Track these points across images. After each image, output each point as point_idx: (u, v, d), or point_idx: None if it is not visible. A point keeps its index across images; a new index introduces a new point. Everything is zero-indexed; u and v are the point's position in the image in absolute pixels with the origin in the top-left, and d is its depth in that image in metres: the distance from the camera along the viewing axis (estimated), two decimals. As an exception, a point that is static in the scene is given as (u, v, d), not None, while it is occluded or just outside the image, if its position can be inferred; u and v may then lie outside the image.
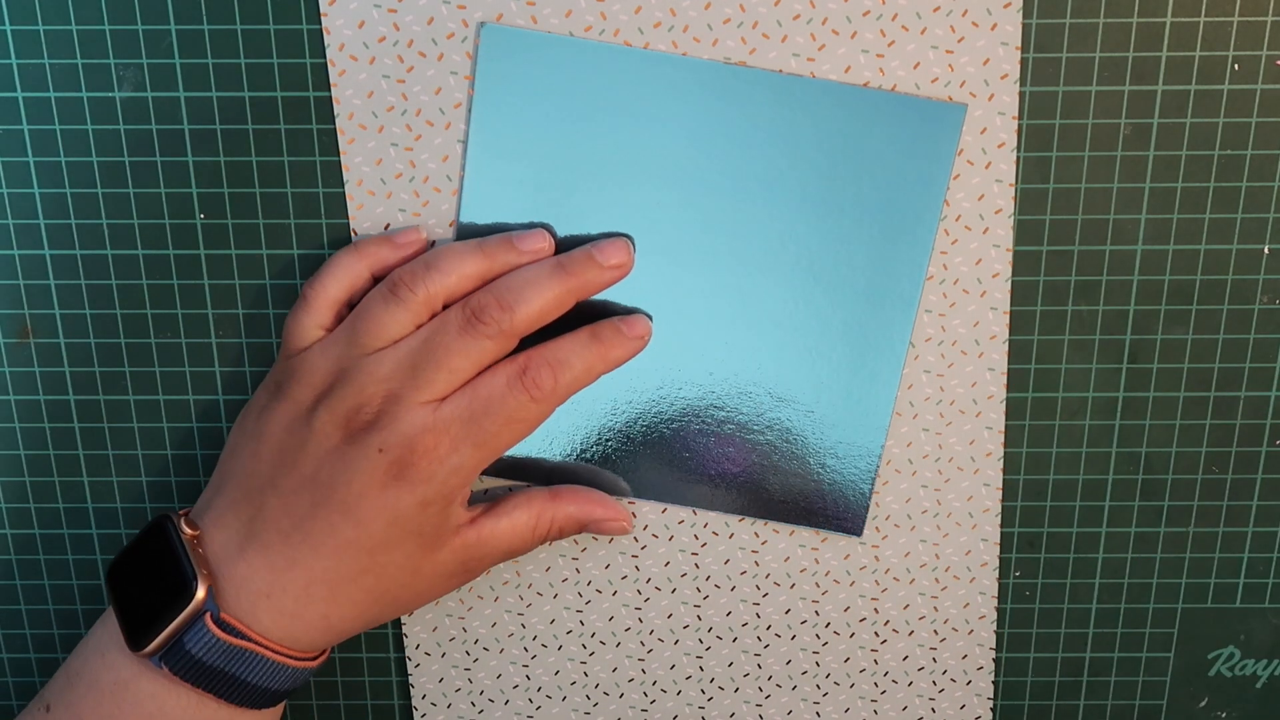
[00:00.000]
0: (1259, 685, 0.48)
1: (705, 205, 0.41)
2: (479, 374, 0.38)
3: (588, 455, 0.44)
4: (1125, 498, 0.46)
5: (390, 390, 0.38)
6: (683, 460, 0.44)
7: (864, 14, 0.40)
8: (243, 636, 0.38)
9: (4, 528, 0.46)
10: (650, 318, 0.42)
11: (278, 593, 0.39)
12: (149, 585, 0.39)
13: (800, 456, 0.44)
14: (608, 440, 0.44)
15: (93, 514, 0.46)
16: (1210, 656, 0.48)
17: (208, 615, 0.38)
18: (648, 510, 0.45)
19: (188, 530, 0.39)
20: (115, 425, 0.45)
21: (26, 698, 0.48)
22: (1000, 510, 0.45)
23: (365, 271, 0.41)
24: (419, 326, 0.39)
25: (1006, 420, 0.44)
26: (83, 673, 0.39)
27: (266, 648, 0.38)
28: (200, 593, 0.38)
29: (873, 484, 0.44)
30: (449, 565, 0.40)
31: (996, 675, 0.48)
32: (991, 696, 0.47)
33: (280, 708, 0.41)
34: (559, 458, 0.44)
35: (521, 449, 0.44)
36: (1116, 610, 0.47)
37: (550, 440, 0.44)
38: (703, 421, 0.43)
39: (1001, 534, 0.46)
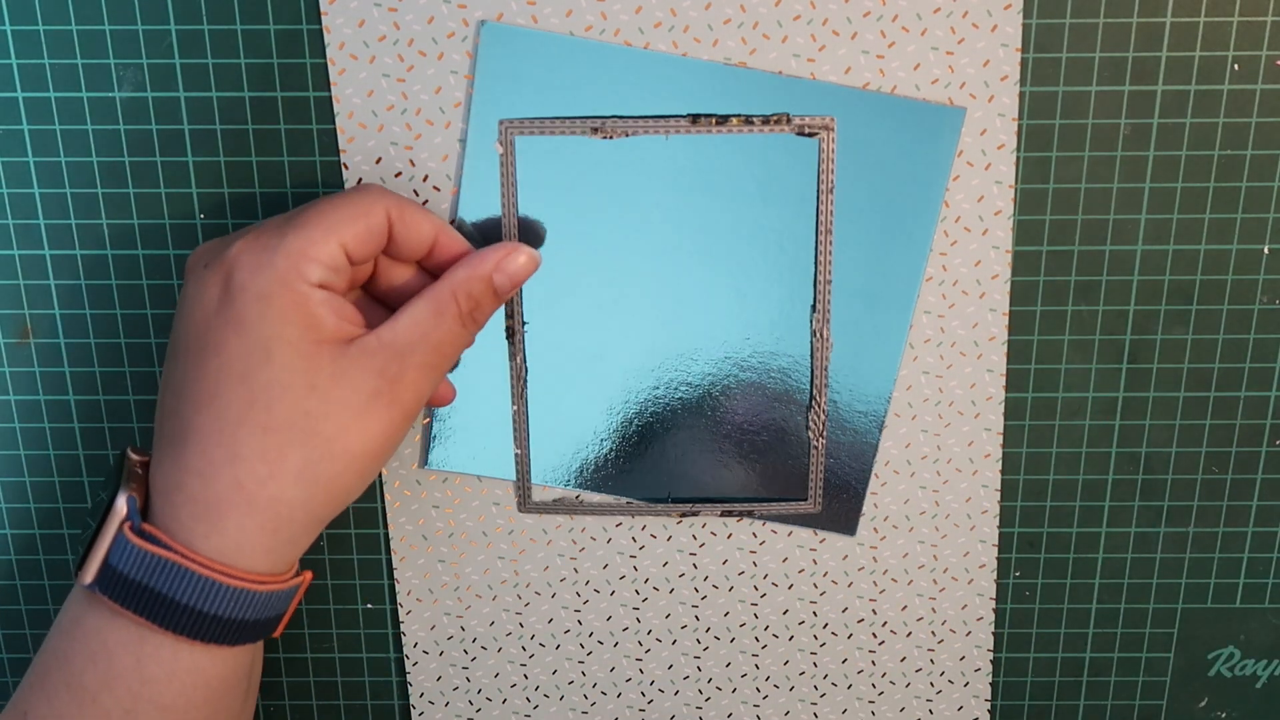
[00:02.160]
0: (1259, 685, 0.48)
1: (703, 206, 0.41)
2: None
3: (585, 454, 0.44)
4: (1125, 498, 0.46)
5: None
6: (678, 460, 0.44)
7: (864, 15, 0.40)
8: (162, 545, 0.35)
9: (4, 528, 0.46)
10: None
11: (186, 477, 0.36)
12: (97, 514, 0.37)
13: (796, 456, 0.44)
14: (604, 440, 0.44)
15: (93, 514, 0.46)
16: (1210, 656, 0.48)
17: (127, 525, 0.36)
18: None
19: (134, 456, 0.38)
20: (115, 425, 0.45)
21: (27, 697, 0.48)
22: (999, 512, 0.45)
23: None
24: None
25: (1006, 421, 0.44)
26: (57, 618, 0.38)
27: (188, 558, 0.35)
28: (120, 504, 0.36)
29: (867, 484, 0.44)
30: (359, 381, 0.36)
31: (997, 675, 0.48)
32: (989, 698, 0.47)
33: (247, 656, 0.38)
34: (556, 456, 0.44)
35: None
36: (1116, 610, 0.47)
37: (548, 440, 0.44)
38: (699, 421, 0.44)
39: (1002, 534, 0.46)
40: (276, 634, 0.39)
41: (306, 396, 0.36)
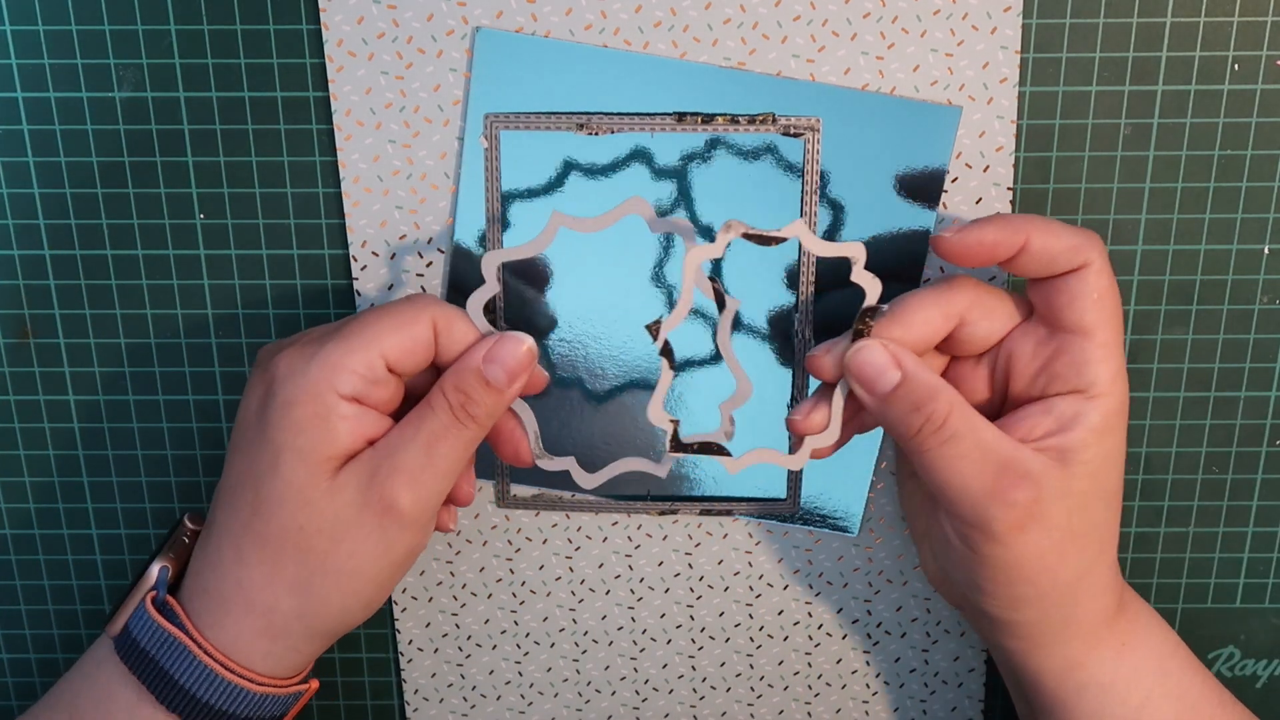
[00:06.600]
0: (1259, 685, 0.48)
1: (701, 207, 0.41)
2: None
3: (565, 450, 0.44)
4: (1126, 498, 0.45)
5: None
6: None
7: (864, 16, 0.40)
8: (176, 622, 0.37)
9: (4, 528, 0.46)
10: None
11: (204, 567, 0.37)
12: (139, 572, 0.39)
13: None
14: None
15: (93, 514, 0.46)
16: (1210, 656, 0.48)
17: (151, 595, 0.37)
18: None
19: (189, 525, 0.39)
20: (115, 425, 0.45)
21: (27, 698, 0.49)
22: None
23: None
24: None
25: (1005, 420, 0.44)
26: (81, 659, 0.40)
27: (196, 642, 0.36)
28: (152, 571, 0.38)
29: (868, 484, 0.44)
30: (349, 494, 0.36)
31: (998, 674, 0.48)
32: (983, 699, 0.47)
33: None
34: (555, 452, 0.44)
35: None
36: (1116, 610, 0.47)
37: (545, 437, 0.44)
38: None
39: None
40: None
41: (300, 510, 0.36)
